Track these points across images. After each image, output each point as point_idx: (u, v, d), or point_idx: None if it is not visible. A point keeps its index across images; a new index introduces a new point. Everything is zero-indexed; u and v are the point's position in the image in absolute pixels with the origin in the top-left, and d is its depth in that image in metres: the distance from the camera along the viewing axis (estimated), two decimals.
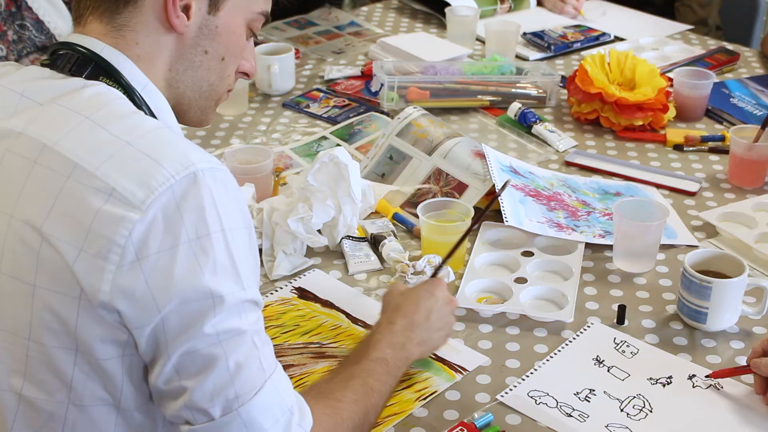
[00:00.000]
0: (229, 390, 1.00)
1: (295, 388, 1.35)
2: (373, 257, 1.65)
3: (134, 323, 0.98)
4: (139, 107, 1.09)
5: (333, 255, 1.67)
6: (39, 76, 1.10)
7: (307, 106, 2.24)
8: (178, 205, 0.97)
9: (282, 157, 1.98)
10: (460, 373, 1.38)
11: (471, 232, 1.66)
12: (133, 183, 0.97)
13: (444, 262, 1.45)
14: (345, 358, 1.27)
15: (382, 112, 2.17)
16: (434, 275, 1.45)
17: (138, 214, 0.96)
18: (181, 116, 1.19)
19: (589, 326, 1.49)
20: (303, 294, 1.56)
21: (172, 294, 0.97)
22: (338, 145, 2.01)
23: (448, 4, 2.67)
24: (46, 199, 0.99)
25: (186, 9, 1.11)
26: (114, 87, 1.08)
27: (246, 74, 1.23)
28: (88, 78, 1.08)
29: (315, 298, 1.55)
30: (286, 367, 1.38)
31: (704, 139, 2.07)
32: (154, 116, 1.11)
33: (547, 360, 1.41)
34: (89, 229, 0.96)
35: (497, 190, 1.60)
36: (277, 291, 1.56)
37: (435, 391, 1.34)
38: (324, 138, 2.07)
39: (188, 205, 0.97)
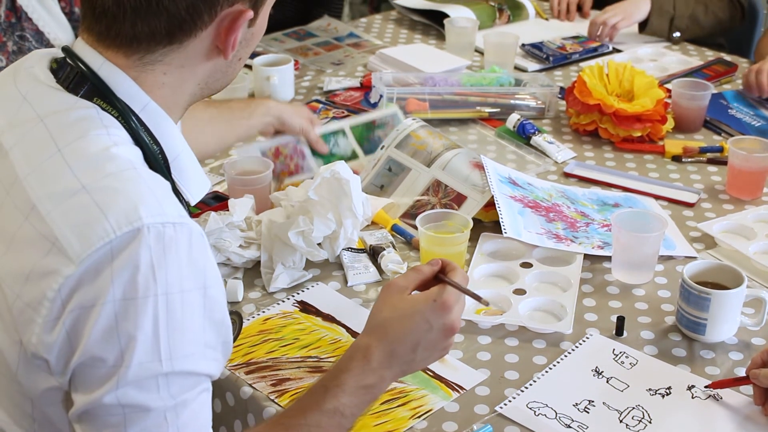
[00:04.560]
0: None
1: (289, 402, 1.33)
2: (372, 269, 1.65)
3: (58, 371, 0.97)
4: (134, 132, 1.04)
5: (332, 266, 1.67)
6: (44, 81, 1.07)
7: None
8: (112, 262, 0.93)
9: (296, 152, 1.94)
10: (457, 391, 1.37)
11: (470, 244, 1.67)
12: (74, 234, 0.94)
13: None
14: (297, 400, 1.17)
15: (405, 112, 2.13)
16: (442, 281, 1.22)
17: (71, 268, 0.93)
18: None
19: (588, 337, 1.49)
20: (305, 308, 1.56)
21: (82, 350, 0.94)
22: (347, 159, 1.97)
23: (446, 16, 2.68)
24: (6, 236, 0.99)
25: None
26: (107, 110, 1.04)
27: None
28: (83, 97, 1.04)
29: (317, 312, 1.55)
30: (282, 381, 1.38)
31: (702, 150, 2.08)
32: (153, 138, 1.06)
33: (546, 371, 1.41)
34: (27, 278, 0.95)
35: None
36: (279, 304, 1.56)
37: (430, 409, 1.33)
38: (342, 134, 2.02)
39: (122, 263, 0.93)
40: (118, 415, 0.95)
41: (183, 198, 1.10)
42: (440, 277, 1.23)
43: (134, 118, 1.05)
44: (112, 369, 0.94)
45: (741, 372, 1.40)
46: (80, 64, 1.05)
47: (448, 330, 1.19)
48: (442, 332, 1.19)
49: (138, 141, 1.04)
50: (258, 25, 1.11)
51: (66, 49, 1.08)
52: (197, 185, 1.13)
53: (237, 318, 1.30)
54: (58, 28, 2.14)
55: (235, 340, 1.28)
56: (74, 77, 1.05)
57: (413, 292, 1.22)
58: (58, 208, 0.96)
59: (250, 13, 1.05)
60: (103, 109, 1.04)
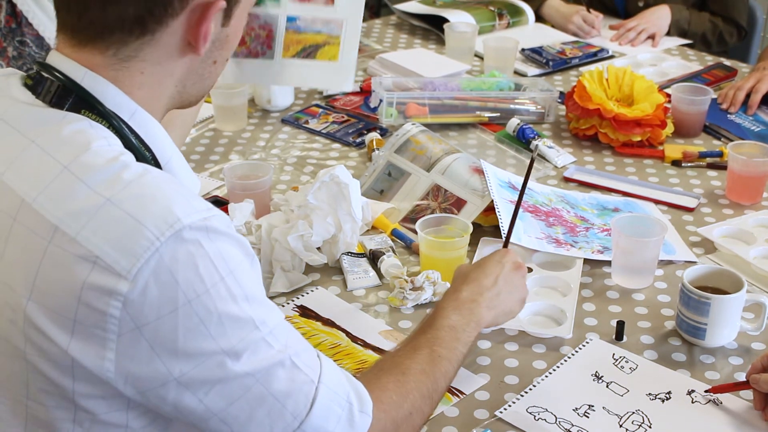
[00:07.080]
0: (285, 414, 0.99)
1: None
2: (372, 273, 1.65)
3: (145, 387, 0.95)
4: (126, 140, 1.02)
5: (332, 271, 1.67)
6: (22, 99, 1.04)
7: (306, 122, 2.24)
8: (170, 269, 0.92)
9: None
10: (457, 396, 1.37)
11: (470, 248, 1.67)
12: (116, 249, 0.91)
13: (510, 229, 1.47)
14: (413, 331, 1.28)
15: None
16: (504, 245, 1.47)
17: (126, 284, 0.91)
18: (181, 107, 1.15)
19: (587, 342, 1.49)
20: (304, 312, 1.55)
21: (181, 358, 0.94)
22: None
23: (446, 20, 2.69)
24: (29, 266, 0.94)
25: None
26: (97, 121, 1.01)
27: None
28: (69, 110, 1.01)
29: (316, 317, 1.55)
30: None
31: (702, 155, 2.08)
32: (144, 145, 1.04)
33: (546, 376, 1.41)
34: (78, 305, 0.92)
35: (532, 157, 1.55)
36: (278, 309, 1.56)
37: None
38: None
39: (180, 267, 0.93)
40: (253, 384, 0.97)
41: None
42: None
43: (125, 126, 1.03)
44: (216, 358, 0.95)
45: (741, 377, 1.40)
46: (61, 76, 1.02)
47: (516, 265, 1.40)
48: (513, 268, 1.39)
49: (131, 149, 1.02)
50: (233, 27, 1.09)
51: (41, 63, 1.04)
52: (190, 185, 1.12)
53: None
54: None
55: None
56: (56, 91, 1.02)
57: None
58: (88, 225, 0.92)
59: (222, 3, 1.03)
60: (92, 120, 1.01)
